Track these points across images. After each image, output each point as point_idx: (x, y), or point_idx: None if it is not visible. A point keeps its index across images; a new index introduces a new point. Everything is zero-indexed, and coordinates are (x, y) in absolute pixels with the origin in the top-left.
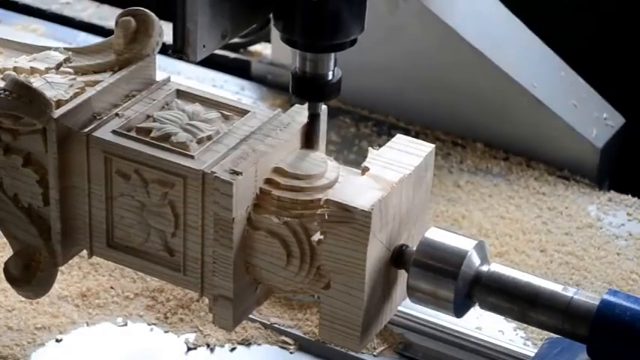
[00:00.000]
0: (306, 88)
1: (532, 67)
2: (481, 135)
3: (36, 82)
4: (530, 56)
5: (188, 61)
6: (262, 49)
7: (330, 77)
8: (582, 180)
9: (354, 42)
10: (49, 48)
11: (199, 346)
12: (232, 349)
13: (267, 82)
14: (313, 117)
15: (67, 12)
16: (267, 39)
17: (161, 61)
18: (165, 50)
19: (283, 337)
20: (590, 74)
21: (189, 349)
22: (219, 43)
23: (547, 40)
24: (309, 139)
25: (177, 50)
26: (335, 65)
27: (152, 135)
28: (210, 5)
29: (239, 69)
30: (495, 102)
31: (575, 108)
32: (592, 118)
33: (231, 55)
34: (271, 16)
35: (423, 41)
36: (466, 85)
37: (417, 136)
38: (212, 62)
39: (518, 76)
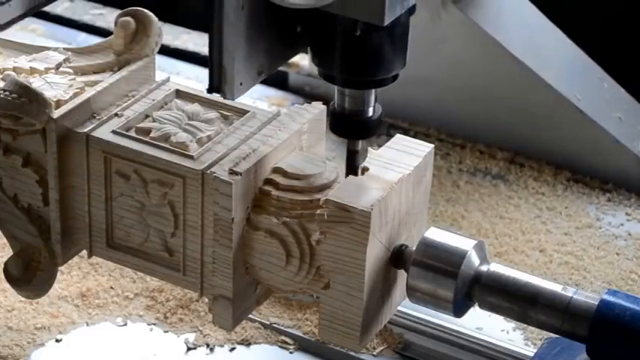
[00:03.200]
0: (346, 125)
1: (575, 78)
2: (523, 147)
3: (35, 83)
4: (573, 67)
5: (225, 98)
6: (300, 59)
7: (370, 114)
8: (626, 194)
9: (395, 77)
10: (48, 48)
11: (199, 346)
12: (232, 349)
13: (304, 93)
14: (352, 154)
15: (100, 23)
16: (304, 50)
17: (160, 61)
18: (164, 51)
19: (283, 337)
20: (633, 86)
21: (188, 349)
22: (256, 80)
23: (588, 52)
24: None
25: (214, 89)
26: (375, 101)
27: (152, 135)
28: (247, 42)
29: (276, 81)
30: (539, 114)
31: (620, 121)
32: (637, 131)
33: None
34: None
35: (465, 52)
36: (509, 97)
37: (415, 136)
38: None
39: (561, 87)
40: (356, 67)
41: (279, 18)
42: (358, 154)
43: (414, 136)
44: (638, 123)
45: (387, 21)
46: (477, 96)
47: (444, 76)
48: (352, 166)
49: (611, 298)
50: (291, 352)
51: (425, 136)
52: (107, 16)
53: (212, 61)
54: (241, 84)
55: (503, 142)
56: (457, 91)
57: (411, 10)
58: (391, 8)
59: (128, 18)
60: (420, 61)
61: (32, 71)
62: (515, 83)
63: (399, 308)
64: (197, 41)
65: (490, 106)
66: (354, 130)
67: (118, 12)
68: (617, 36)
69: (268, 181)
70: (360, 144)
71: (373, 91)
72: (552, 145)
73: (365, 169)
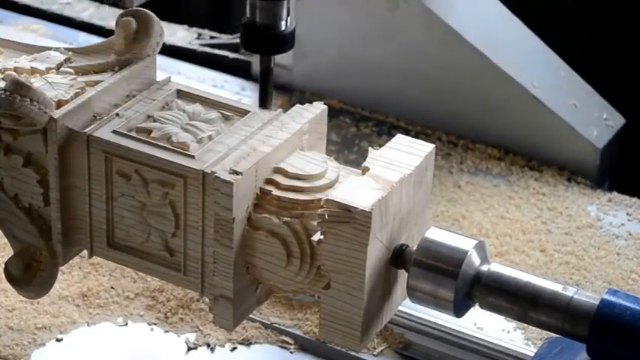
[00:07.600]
0: (257, 39)
1: (532, 67)
2: (481, 135)
3: (36, 83)
4: (531, 56)
5: (124, 7)
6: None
7: (283, 28)
8: (583, 180)
9: None
10: (49, 48)
11: (199, 345)
12: (233, 349)
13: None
14: (266, 72)
15: (68, 12)
16: None
17: (161, 61)
18: (165, 51)
19: (283, 337)
20: (590, 74)
21: (189, 348)
22: None
23: (547, 40)
24: (262, 98)
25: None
26: (288, 14)
27: (152, 135)
28: None
29: (240, 69)
30: (495, 102)
31: (575, 108)
32: (592, 119)
33: (232, 55)
34: None
35: (424, 41)
36: (466, 85)
37: (417, 136)
38: (212, 62)
39: (518, 76)
40: None
41: None
42: (272, 74)
43: (372, 125)
44: (593, 110)
45: None
46: (434, 84)
47: (402, 65)
48: (265, 87)
49: (612, 298)
50: (291, 352)
51: (382, 124)
52: (74, 6)
53: None
54: None
55: (460, 130)
56: (415, 79)
57: None
58: None
59: (129, 18)
60: (378, 50)
61: (33, 71)
62: (471, 72)
63: (400, 308)
64: (196, 41)
65: (447, 94)
66: (266, 46)
67: (85, 3)
68: (577, 24)
69: (269, 181)
70: (273, 61)
71: (285, 3)
72: (506, 131)
73: (365, 169)
